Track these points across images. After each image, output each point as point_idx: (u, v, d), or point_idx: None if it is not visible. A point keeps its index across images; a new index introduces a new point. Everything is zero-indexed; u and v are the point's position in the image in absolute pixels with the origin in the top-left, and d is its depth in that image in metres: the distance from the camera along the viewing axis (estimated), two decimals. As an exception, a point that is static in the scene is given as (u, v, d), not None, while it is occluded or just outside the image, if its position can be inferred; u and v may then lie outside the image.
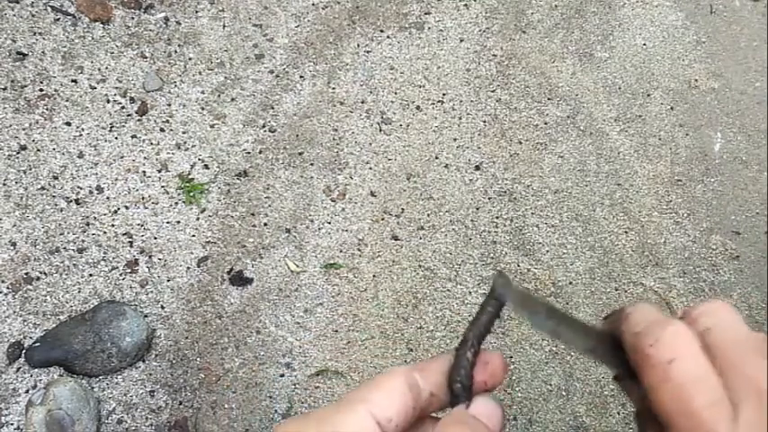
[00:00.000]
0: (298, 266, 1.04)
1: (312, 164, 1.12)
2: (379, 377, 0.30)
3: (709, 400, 0.27)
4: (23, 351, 0.90)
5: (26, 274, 0.95)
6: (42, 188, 1.00)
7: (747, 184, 1.24)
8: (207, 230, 1.03)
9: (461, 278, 1.07)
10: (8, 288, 0.94)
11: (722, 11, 1.43)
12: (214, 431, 0.92)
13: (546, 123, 1.23)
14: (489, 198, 1.14)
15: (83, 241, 0.98)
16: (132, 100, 1.09)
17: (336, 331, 1.00)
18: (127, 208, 1.02)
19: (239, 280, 1.01)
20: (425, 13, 1.29)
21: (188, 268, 1.00)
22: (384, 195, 1.11)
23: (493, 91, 1.24)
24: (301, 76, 1.19)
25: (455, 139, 1.18)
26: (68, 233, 0.98)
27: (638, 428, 0.32)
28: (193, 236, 1.03)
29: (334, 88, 1.19)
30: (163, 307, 0.97)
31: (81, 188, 1.02)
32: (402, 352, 1.01)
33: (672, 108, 1.29)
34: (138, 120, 1.08)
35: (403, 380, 0.30)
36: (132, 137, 1.07)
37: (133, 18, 1.15)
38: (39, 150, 1.02)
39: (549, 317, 0.31)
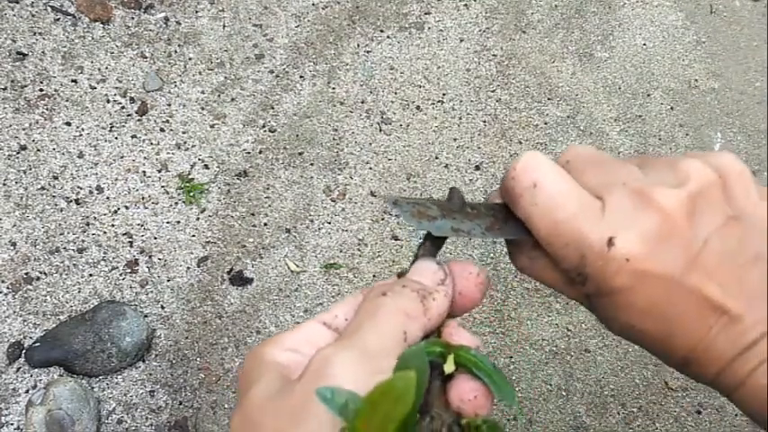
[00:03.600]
0: (298, 266, 1.04)
1: (312, 164, 1.12)
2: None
3: (575, 206, 0.28)
4: (23, 351, 0.90)
5: (26, 274, 0.95)
6: (42, 188, 1.00)
7: (747, 184, 1.25)
8: (207, 230, 1.03)
9: (461, 278, 1.07)
10: (8, 288, 0.94)
11: (722, 11, 1.43)
12: (214, 431, 0.92)
13: (546, 123, 1.23)
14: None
15: (83, 241, 0.98)
16: (132, 100, 1.09)
17: (336, 331, 1.00)
18: (127, 208, 1.02)
19: (239, 280, 1.01)
20: (425, 13, 1.29)
21: (188, 268, 1.00)
22: (384, 195, 1.11)
23: (493, 91, 1.24)
24: (301, 76, 1.19)
25: (455, 139, 1.18)
26: (68, 233, 0.98)
27: (510, 256, 0.34)
28: (193, 236, 1.03)
29: (334, 88, 1.19)
30: (163, 307, 0.97)
31: (81, 188, 1.02)
32: (402, 352, 1.00)
33: (672, 108, 1.29)
34: (138, 120, 1.08)
35: (358, 293, 0.30)
36: (132, 137, 1.07)
37: (133, 18, 1.15)
38: (39, 150, 1.02)
39: (444, 216, 0.31)
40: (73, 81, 1.08)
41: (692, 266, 0.27)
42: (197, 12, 1.18)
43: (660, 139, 1.26)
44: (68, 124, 1.05)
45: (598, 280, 0.28)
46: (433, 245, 0.32)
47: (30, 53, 1.07)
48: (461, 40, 1.28)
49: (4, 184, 0.99)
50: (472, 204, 0.32)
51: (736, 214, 0.28)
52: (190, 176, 1.06)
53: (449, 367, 0.27)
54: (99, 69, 1.10)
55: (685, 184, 0.28)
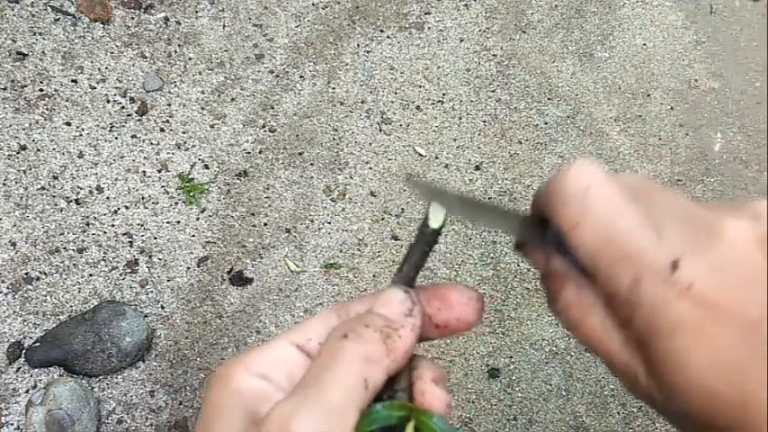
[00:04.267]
0: (298, 266, 1.04)
1: (312, 164, 1.12)
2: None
3: (632, 223, 0.24)
4: (23, 351, 0.90)
5: (26, 274, 0.95)
6: (42, 188, 1.00)
7: (747, 184, 1.24)
8: (207, 230, 1.03)
9: (461, 278, 1.07)
10: (8, 288, 0.94)
11: (722, 11, 1.43)
12: (214, 431, 0.92)
13: (546, 123, 1.23)
14: (489, 198, 1.14)
15: (83, 241, 0.98)
16: (132, 100, 1.09)
17: (336, 331, 1.00)
18: (127, 208, 1.02)
19: (239, 280, 1.01)
20: (425, 13, 1.29)
21: (188, 268, 1.00)
22: (384, 195, 1.11)
23: (493, 91, 1.24)
24: (301, 76, 1.19)
25: (455, 139, 1.18)
26: (68, 233, 0.98)
27: (548, 293, 0.29)
28: (193, 236, 1.03)
29: (334, 88, 1.19)
30: (163, 307, 0.97)
31: (81, 188, 1.02)
32: (402, 352, 1.01)
33: (672, 108, 1.29)
34: (138, 120, 1.08)
35: (334, 310, 0.28)
36: (132, 137, 1.07)
37: (133, 18, 1.15)
38: (39, 150, 1.02)
39: (462, 204, 0.29)
40: (73, 81, 1.08)
41: None
42: (197, 12, 1.19)
43: (660, 139, 1.26)
44: (68, 124, 1.05)
45: (653, 310, 0.23)
46: (415, 258, 0.30)
47: (30, 53, 1.07)
48: (461, 40, 1.28)
49: (4, 184, 0.99)
50: (485, 203, 0.32)
51: None
52: (190, 176, 1.06)
53: None
54: (99, 69, 1.10)
55: (759, 220, 0.24)
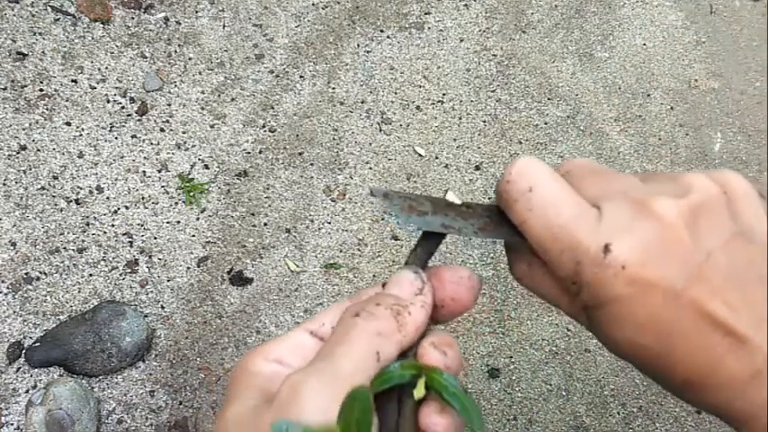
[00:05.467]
0: (298, 266, 1.04)
1: (312, 164, 1.12)
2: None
3: (572, 212, 0.27)
4: (23, 351, 0.90)
5: (26, 274, 0.95)
6: (42, 188, 1.00)
7: (747, 184, 1.24)
8: (207, 230, 1.03)
9: (461, 278, 1.07)
10: (8, 288, 0.94)
11: (722, 11, 1.43)
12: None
13: (546, 123, 1.23)
14: (489, 198, 1.15)
15: (83, 241, 0.98)
16: (132, 100, 1.09)
17: (336, 331, 1.00)
18: (127, 208, 1.02)
19: (239, 280, 1.01)
20: (425, 13, 1.29)
21: (188, 268, 1.00)
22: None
23: (493, 91, 1.24)
24: (301, 76, 1.19)
25: (455, 139, 1.18)
26: (68, 233, 0.98)
27: (508, 262, 0.33)
28: (193, 236, 1.03)
29: (334, 88, 1.19)
30: (163, 307, 0.97)
31: (81, 188, 1.02)
32: (402, 352, 1.00)
33: (672, 108, 1.29)
34: (138, 120, 1.08)
35: (346, 300, 0.30)
36: (132, 137, 1.07)
37: (133, 18, 1.15)
38: (39, 150, 1.02)
39: (436, 212, 0.30)
40: (73, 81, 1.08)
41: (694, 280, 0.26)
42: (197, 12, 1.18)
43: (660, 139, 1.26)
44: (68, 124, 1.05)
45: (594, 288, 0.27)
46: (428, 243, 0.31)
47: (30, 53, 1.07)
48: (461, 40, 1.28)
49: (4, 184, 0.99)
50: (469, 204, 0.32)
51: (743, 231, 0.27)
52: (190, 176, 1.06)
53: (419, 392, 0.27)
54: (99, 69, 1.10)
55: (687, 195, 0.27)
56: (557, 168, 0.31)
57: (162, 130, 1.08)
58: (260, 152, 1.11)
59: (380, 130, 1.17)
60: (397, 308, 0.27)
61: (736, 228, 0.27)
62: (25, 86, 1.05)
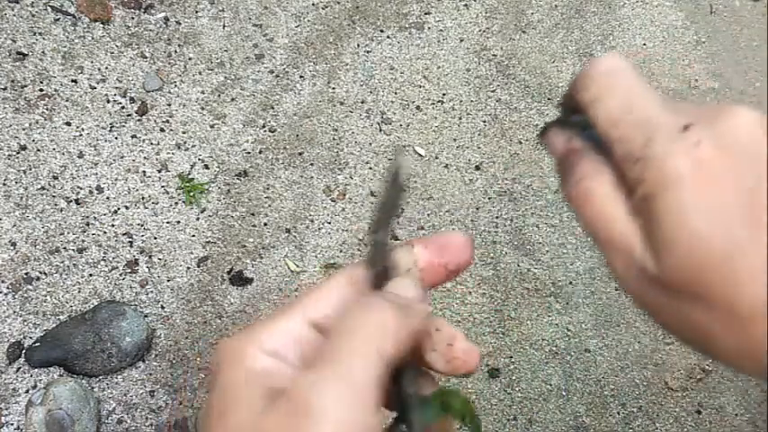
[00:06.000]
0: (298, 266, 1.04)
1: (312, 164, 1.12)
2: (322, 280, 0.30)
3: (651, 98, 0.27)
4: (23, 351, 0.90)
5: (26, 274, 0.95)
6: (42, 188, 1.00)
7: (747, 184, 1.25)
8: (207, 230, 1.03)
9: (461, 278, 1.07)
10: (8, 288, 0.94)
11: (722, 11, 1.43)
12: (214, 431, 0.92)
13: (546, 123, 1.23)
14: (489, 198, 1.15)
15: (83, 241, 0.98)
16: (132, 100, 1.09)
17: (336, 331, 1.00)
18: (127, 208, 1.02)
19: (239, 280, 1.01)
20: (425, 13, 1.29)
21: (188, 268, 1.00)
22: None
23: (493, 91, 1.24)
24: (301, 76, 1.19)
25: (455, 139, 1.18)
26: (68, 233, 0.98)
27: (563, 171, 0.32)
28: (193, 236, 1.03)
29: (334, 88, 1.19)
30: (163, 307, 0.97)
31: (81, 188, 1.02)
32: (402, 352, 1.01)
33: (672, 108, 1.29)
34: (138, 120, 1.08)
35: (345, 276, 0.29)
36: (132, 137, 1.07)
37: (133, 18, 1.15)
38: (39, 150, 1.02)
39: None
40: (73, 81, 1.08)
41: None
42: (197, 12, 1.19)
43: (660, 139, 1.26)
44: (68, 124, 1.05)
45: (661, 163, 0.25)
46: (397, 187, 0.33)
47: (30, 53, 1.07)
48: (461, 40, 1.28)
49: (4, 184, 0.99)
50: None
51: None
52: (190, 176, 1.06)
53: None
54: (99, 69, 1.10)
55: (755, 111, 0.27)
56: None
57: (162, 130, 1.08)
58: (260, 152, 1.11)
59: (380, 130, 1.17)
60: (403, 308, 0.27)
61: None
62: (25, 86, 1.05)
